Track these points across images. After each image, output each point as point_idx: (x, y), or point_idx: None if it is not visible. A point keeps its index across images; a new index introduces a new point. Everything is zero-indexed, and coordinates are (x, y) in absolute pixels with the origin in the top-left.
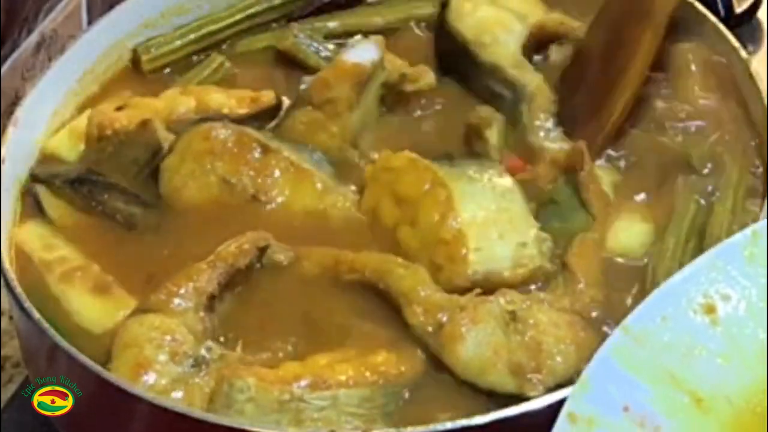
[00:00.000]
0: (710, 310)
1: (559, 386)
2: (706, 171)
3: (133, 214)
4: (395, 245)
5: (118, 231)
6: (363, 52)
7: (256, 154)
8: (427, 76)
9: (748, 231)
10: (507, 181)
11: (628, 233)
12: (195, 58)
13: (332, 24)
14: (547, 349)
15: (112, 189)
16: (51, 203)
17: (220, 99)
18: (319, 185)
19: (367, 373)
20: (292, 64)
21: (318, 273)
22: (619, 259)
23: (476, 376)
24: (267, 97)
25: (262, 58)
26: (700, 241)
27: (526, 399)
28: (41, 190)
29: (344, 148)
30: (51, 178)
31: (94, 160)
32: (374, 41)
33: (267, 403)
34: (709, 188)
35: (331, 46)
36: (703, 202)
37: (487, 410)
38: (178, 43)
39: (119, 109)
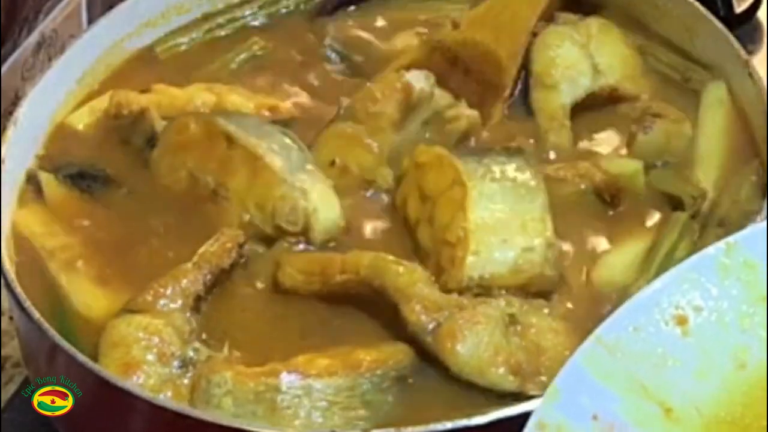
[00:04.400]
0: (682, 321)
1: None
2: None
3: (130, 207)
4: (415, 242)
5: (116, 223)
6: (415, 79)
7: (222, 147)
8: (470, 117)
9: (721, 243)
10: (533, 180)
11: (617, 265)
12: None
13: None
14: (546, 353)
15: (111, 183)
16: (53, 192)
17: (239, 101)
18: (276, 177)
19: (345, 364)
20: None
21: (302, 280)
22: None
23: (475, 375)
24: (285, 108)
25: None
26: None
27: (519, 396)
28: (44, 177)
29: (377, 168)
30: (53, 171)
31: (100, 144)
32: (427, 74)
33: (243, 395)
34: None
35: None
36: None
37: (480, 408)
38: (194, 35)
39: (143, 92)
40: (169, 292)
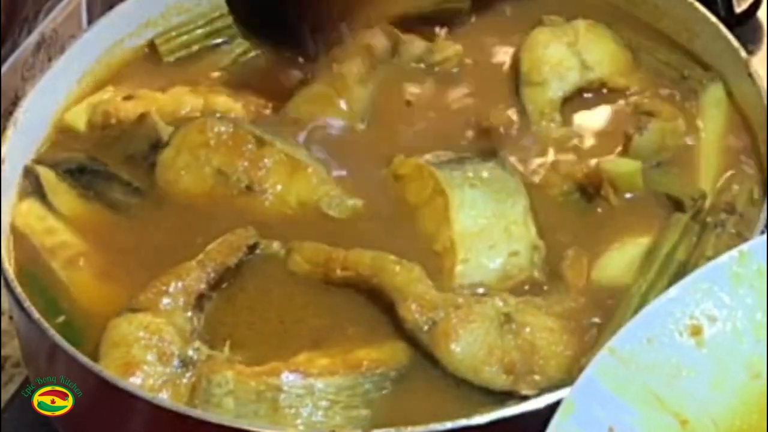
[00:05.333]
0: (696, 331)
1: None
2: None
3: (132, 204)
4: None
5: (116, 220)
6: (374, 38)
7: (251, 147)
8: (452, 46)
9: (734, 252)
10: (513, 183)
11: (617, 265)
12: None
13: None
14: (540, 352)
15: (112, 179)
16: (53, 188)
17: (227, 103)
18: (313, 177)
19: (346, 364)
20: None
21: (308, 269)
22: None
23: (469, 373)
24: (270, 108)
25: None
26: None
27: (518, 395)
28: (43, 172)
29: (353, 121)
30: (53, 167)
31: (97, 146)
32: (386, 30)
33: (245, 394)
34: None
35: None
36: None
37: (476, 406)
38: (199, 32)
39: (127, 99)
40: (171, 290)
